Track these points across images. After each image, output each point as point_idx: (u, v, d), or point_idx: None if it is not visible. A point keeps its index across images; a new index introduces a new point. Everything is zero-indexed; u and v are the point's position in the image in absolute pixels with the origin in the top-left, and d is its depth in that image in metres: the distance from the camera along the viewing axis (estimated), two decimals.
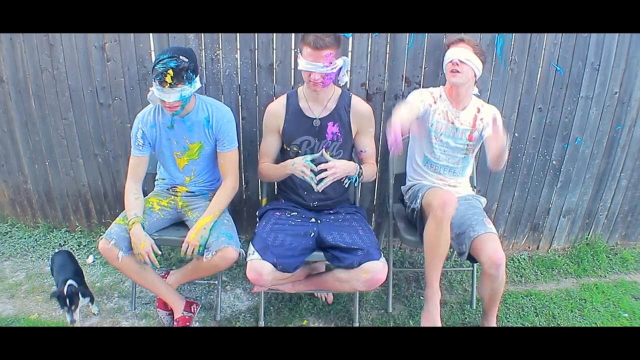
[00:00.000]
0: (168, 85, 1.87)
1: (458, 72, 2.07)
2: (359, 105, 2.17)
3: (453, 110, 2.20)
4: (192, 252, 2.00)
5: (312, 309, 2.42)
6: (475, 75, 2.12)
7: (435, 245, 1.99)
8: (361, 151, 2.22)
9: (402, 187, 2.42)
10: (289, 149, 2.18)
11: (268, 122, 2.20)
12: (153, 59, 2.38)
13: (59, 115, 2.59)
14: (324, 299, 2.47)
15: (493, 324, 2.19)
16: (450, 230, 2.01)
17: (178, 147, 2.15)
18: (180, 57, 1.89)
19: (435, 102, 2.20)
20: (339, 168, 2.00)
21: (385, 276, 1.96)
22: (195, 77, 1.95)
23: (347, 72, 2.13)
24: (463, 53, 2.06)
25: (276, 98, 2.33)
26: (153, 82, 1.92)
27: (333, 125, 2.13)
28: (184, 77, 1.89)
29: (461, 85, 2.12)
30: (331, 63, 1.95)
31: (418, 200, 2.14)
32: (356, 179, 2.12)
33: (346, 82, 2.22)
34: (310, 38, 1.91)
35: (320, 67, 1.94)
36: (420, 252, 2.82)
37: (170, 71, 1.86)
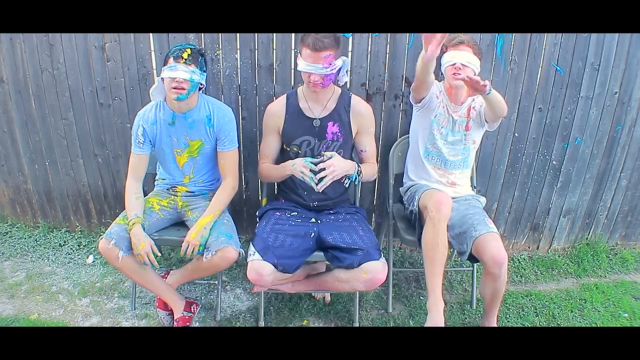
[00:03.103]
0: (183, 60, 1.94)
1: (460, 75, 2.06)
2: (359, 105, 2.17)
3: (452, 105, 2.24)
4: (192, 252, 2.01)
5: (312, 309, 2.42)
6: (475, 75, 2.12)
7: (434, 247, 1.98)
8: (361, 151, 2.22)
9: (400, 188, 2.43)
10: (289, 149, 2.18)
11: (268, 122, 2.20)
12: (153, 59, 2.40)
13: (59, 115, 2.59)
14: (320, 297, 2.46)
15: (494, 323, 2.19)
16: (447, 231, 2.01)
17: (178, 144, 2.15)
18: (197, 47, 2.03)
19: (437, 97, 2.25)
20: (337, 166, 2.00)
21: (385, 276, 1.96)
22: (204, 72, 2.02)
23: (347, 72, 2.13)
24: (465, 56, 2.07)
25: (276, 98, 2.33)
26: (164, 67, 1.97)
27: (333, 125, 2.13)
28: (199, 60, 1.99)
29: (462, 87, 2.14)
30: (330, 64, 1.95)
31: (415, 203, 2.15)
32: (356, 177, 2.12)
33: (346, 82, 2.22)
34: (310, 39, 1.91)
35: (320, 69, 1.94)
36: (420, 252, 2.80)
37: (189, 49, 1.97)
